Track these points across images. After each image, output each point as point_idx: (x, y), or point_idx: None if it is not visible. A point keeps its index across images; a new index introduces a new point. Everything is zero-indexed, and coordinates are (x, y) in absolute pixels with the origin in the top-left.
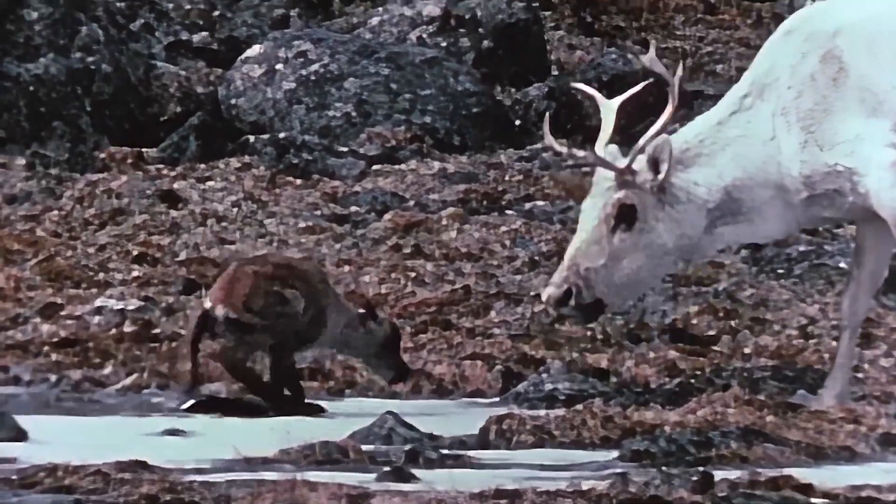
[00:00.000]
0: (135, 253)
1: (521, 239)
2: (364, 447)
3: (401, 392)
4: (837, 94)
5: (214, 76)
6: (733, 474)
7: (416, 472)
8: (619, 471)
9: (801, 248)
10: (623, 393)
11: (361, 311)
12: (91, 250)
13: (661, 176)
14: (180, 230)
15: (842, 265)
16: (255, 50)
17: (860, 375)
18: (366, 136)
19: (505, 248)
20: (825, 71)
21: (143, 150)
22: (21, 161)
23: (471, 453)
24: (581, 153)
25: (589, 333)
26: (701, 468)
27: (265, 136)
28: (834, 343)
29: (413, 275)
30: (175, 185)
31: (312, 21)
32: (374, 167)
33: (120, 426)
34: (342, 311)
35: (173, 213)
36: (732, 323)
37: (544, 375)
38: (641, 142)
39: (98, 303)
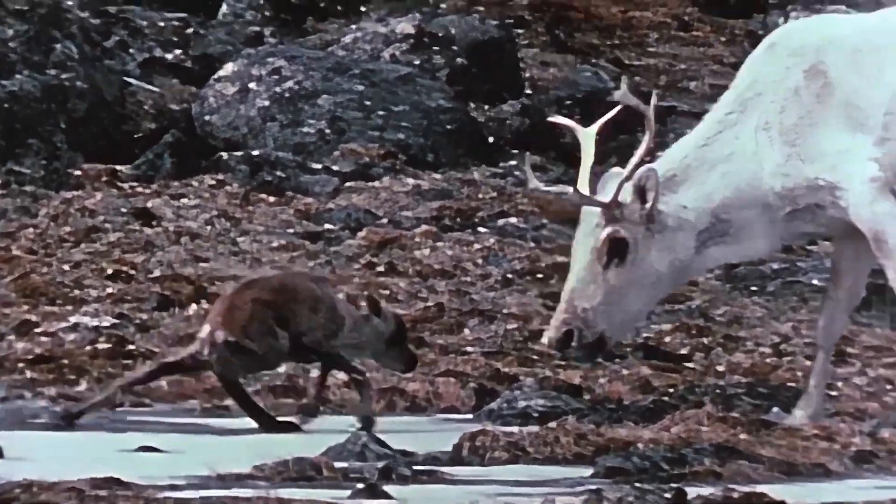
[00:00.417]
0: (109, 270)
1: (495, 256)
2: (337, 464)
3: (374, 409)
4: (822, 109)
5: (188, 93)
6: (707, 491)
7: (390, 488)
8: (592, 487)
9: (775, 266)
10: (596, 410)
11: (365, 311)
12: (66, 267)
13: (648, 205)
14: (154, 248)
15: (815, 282)
16: (228, 67)
17: (834, 393)
18: (339, 153)
19: (478, 266)
20: (809, 86)
21: (118, 167)
22: None
23: (444, 470)
24: (566, 192)
25: None
26: (674, 485)
27: (239, 154)
28: (807, 361)
29: (387, 292)
30: (149, 203)
31: (286, 38)
32: (348, 184)
33: (95, 442)
34: (342, 319)
35: (147, 230)
36: (706, 340)
37: (517, 392)
38: (625, 173)
39: (73, 320)
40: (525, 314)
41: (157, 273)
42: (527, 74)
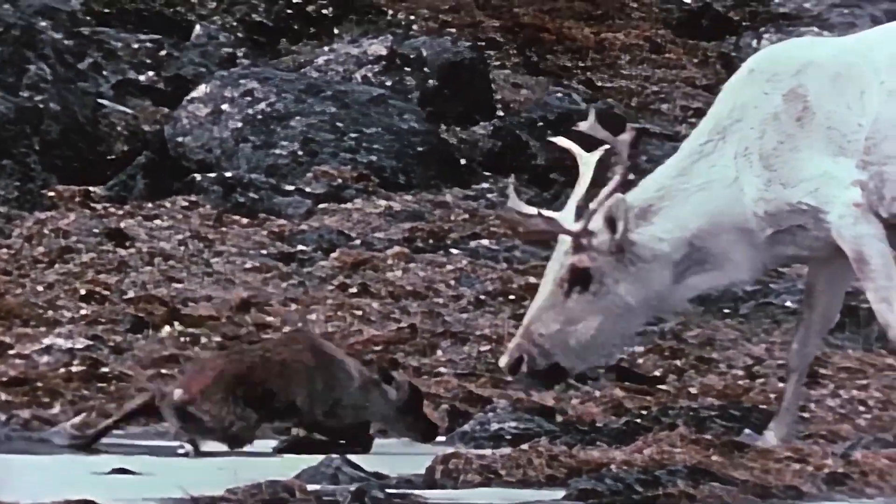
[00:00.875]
0: (83, 291)
1: (467, 278)
2: (310, 487)
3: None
4: (803, 133)
5: (161, 115)
6: None
7: None
8: None
9: (748, 288)
10: (569, 432)
11: (375, 375)
12: (40, 288)
13: (617, 235)
14: (128, 268)
15: (788, 304)
16: (201, 89)
17: (806, 415)
18: (312, 175)
19: (451, 287)
20: (789, 110)
21: (91, 188)
22: None
23: (417, 493)
24: (532, 213)
25: None
26: None
27: (212, 175)
28: (780, 383)
29: (359, 313)
30: (122, 224)
31: (259, 60)
32: (321, 206)
33: (69, 465)
34: (346, 380)
35: (121, 251)
36: (678, 362)
37: (490, 414)
38: (594, 203)
39: (47, 341)
40: (498, 336)
41: (130, 294)
42: (498, 96)
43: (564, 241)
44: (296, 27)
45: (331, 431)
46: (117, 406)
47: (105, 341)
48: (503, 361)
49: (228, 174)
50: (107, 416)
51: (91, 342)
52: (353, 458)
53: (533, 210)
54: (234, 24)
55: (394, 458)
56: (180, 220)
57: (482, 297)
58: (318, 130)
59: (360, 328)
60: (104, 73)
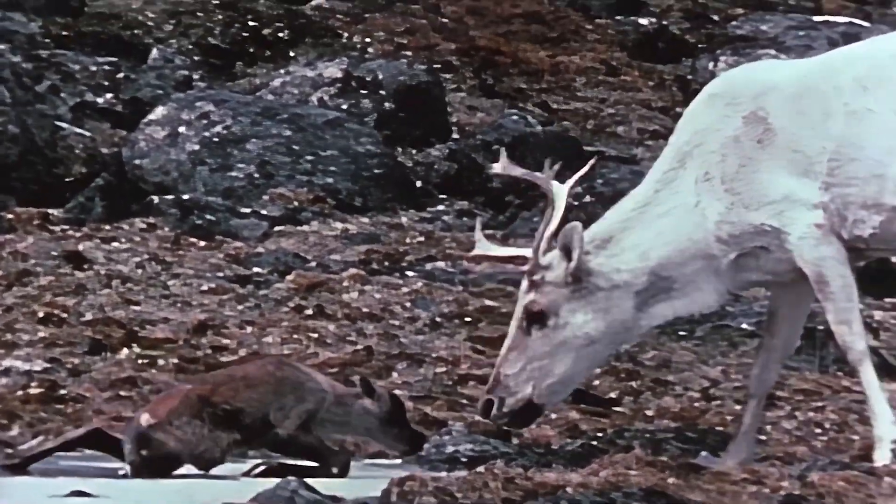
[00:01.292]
0: (41, 314)
1: (423, 300)
2: None
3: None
4: (764, 155)
5: (119, 137)
6: None
7: None
8: None
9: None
10: (525, 454)
11: (354, 389)
12: None
13: (573, 263)
14: (86, 291)
15: (745, 326)
16: (158, 111)
17: (763, 437)
18: (268, 198)
19: (406, 309)
20: (749, 132)
21: (49, 211)
22: None
23: None
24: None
25: None
26: None
27: (169, 198)
28: (736, 405)
29: (315, 335)
30: (80, 246)
31: (215, 82)
32: (277, 228)
33: (26, 488)
34: (319, 395)
35: (79, 273)
36: (634, 384)
37: (446, 437)
38: (538, 242)
39: (5, 364)
40: (453, 358)
41: (88, 316)
42: (454, 119)
43: (524, 280)
44: (251, 50)
45: (308, 451)
46: (76, 429)
47: (63, 363)
48: (478, 406)
49: (185, 196)
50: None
51: (49, 364)
52: (310, 481)
53: (504, 251)
54: (191, 46)
55: (349, 480)
56: (138, 243)
57: (438, 319)
58: (274, 153)
59: (315, 350)
60: (62, 95)
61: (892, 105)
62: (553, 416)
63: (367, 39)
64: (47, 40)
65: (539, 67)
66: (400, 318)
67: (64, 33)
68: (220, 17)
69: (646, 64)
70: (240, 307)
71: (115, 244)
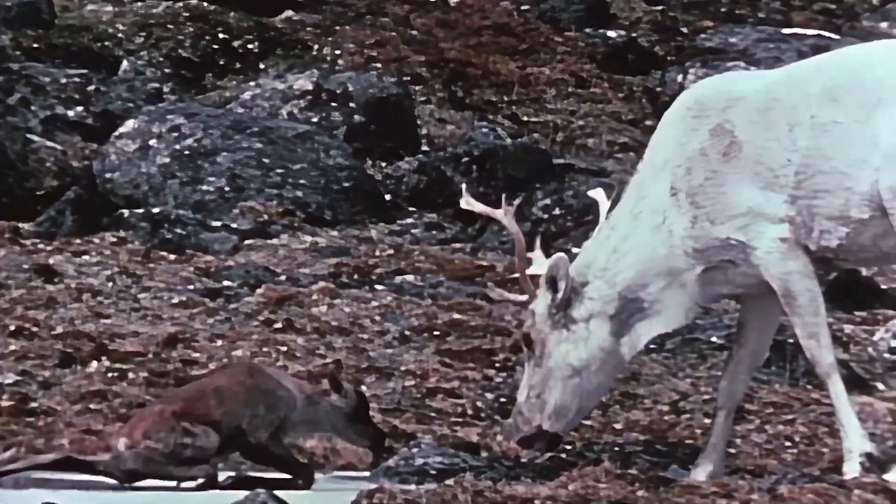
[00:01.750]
0: (12, 327)
1: (392, 313)
2: None
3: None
4: (729, 168)
5: (90, 150)
6: None
7: None
8: None
9: None
10: (494, 467)
11: (322, 387)
12: None
13: (559, 295)
14: (56, 304)
15: (714, 339)
16: (129, 124)
17: (733, 450)
18: (238, 211)
19: (375, 323)
20: (715, 145)
21: (20, 224)
22: None
23: None
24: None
25: (460, 409)
26: None
27: (140, 211)
28: (706, 419)
29: (285, 349)
30: (51, 260)
31: (185, 95)
32: (247, 241)
33: None
34: (289, 400)
35: (49, 287)
36: (603, 397)
37: (415, 450)
38: (521, 275)
39: None
40: (422, 371)
41: (59, 330)
42: (424, 131)
43: None
44: (222, 62)
45: (277, 461)
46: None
47: (34, 376)
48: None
49: (156, 210)
50: (36, 451)
51: (20, 377)
52: (280, 493)
53: (520, 298)
54: (161, 59)
55: (318, 493)
56: (108, 256)
57: (407, 332)
58: (244, 166)
59: (285, 364)
60: (33, 108)
61: (859, 116)
62: None
63: (337, 52)
64: (18, 53)
65: (509, 80)
66: (369, 331)
67: (34, 45)
68: (190, 29)
69: (615, 76)
70: (210, 320)
71: (85, 258)
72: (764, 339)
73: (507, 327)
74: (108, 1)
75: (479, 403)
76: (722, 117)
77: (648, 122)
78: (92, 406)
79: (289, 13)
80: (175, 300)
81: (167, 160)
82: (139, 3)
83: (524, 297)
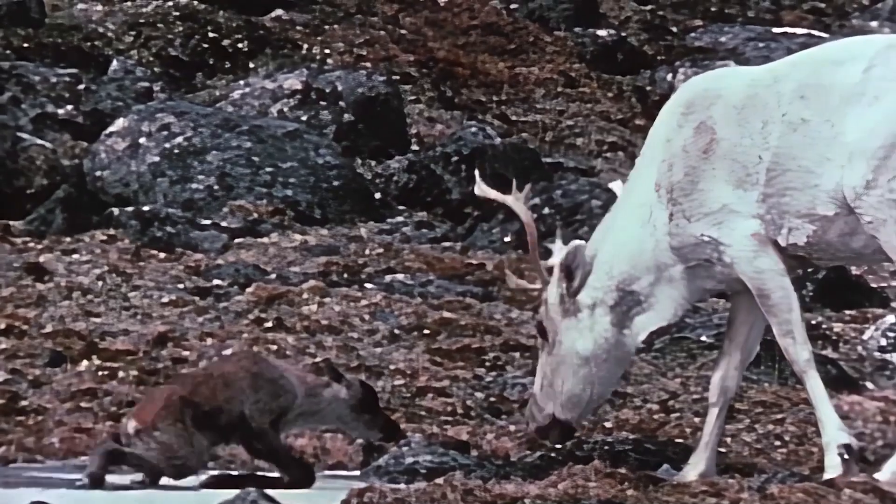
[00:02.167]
0: (2, 325)
1: (382, 312)
2: None
3: (264, 466)
4: (707, 165)
5: (80, 149)
6: None
7: None
8: None
9: None
10: (484, 466)
11: (325, 378)
12: None
13: (575, 283)
14: (46, 303)
15: (703, 338)
16: (119, 123)
17: (722, 449)
18: (228, 210)
19: (365, 322)
20: (697, 142)
21: (10, 222)
22: None
23: None
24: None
25: (450, 407)
26: None
27: (130, 209)
28: (695, 417)
29: (275, 347)
30: (41, 258)
31: (175, 94)
32: (237, 240)
33: None
34: (290, 390)
35: (40, 285)
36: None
37: (405, 448)
38: (535, 263)
39: None
40: (412, 370)
41: (49, 328)
42: (413, 130)
43: None
44: (211, 61)
45: (273, 454)
46: (37, 440)
47: (24, 375)
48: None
49: (146, 208)
50: (26, 449)
51: (10, 376)
52: (270, 492)
53: (525, 286)
54: (151, 58)
55: (308, 491)
56: (98, 255)
57: (397, 331)
58: (233, 165)
59: None
60: (23, 106)
61: (826, 115)
62: (512, 428)
63: (327, 51)
64: (8, 51)
65: (498, 79)
66: (359, 330)
67: (24, 44)
68: (180, 28)
69: (604, 75)
70: (200, 319)
71: (75, 256)
72: (754, 335)
73: (498, 326)
74: (98, 0)
75: (468, 402)
76: (705, 114)
77: (638, 122)
78: (82, 404)
79: (278, 12)
80: (165, 299)
81: (157, 159)
82: (129, 3)
83: (539, 286)
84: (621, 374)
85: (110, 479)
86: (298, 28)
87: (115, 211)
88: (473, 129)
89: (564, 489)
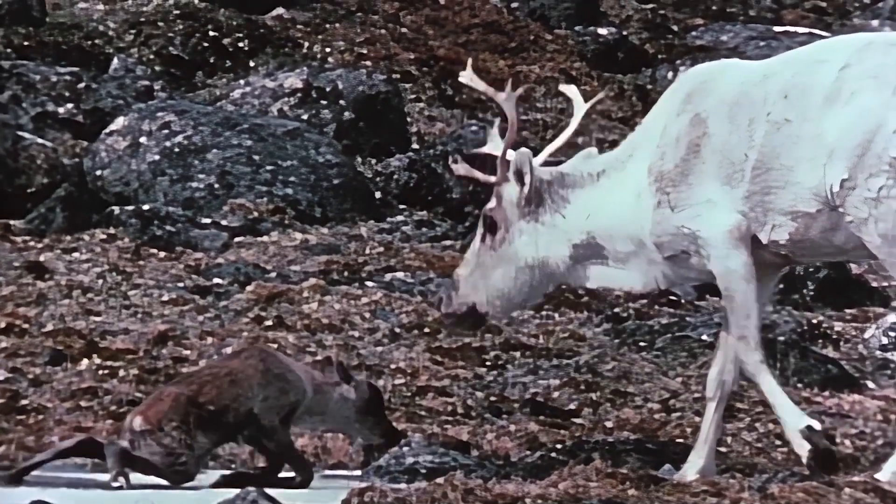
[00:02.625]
0: (2, 324)
1: (382, 310)
2: None
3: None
4: (696, 160)
5: (80, 148)
6: None
7: None
8: None
9: (664, 321)
10: (484, 466)
11: (332, 377)
12: None
13: (525, 188)
14: (47, 301)
15: (704, 338)
16: (119, 122)
17: (723, 448)
18: (228, 208)
19: (366, 320)
20: (690, 134)
21: (11, 221)
22: None
23: None
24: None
25: (450, 407)
26: None
27: (130, 208)
28: (696, 417)
29: (275, 346)
30: (42, 257)
31: (176, 93)
32: (237, 239)
33: None
34: (300, 386)
35: (40, 284)
36: (594, 396)
37: (405, 448)
38: (502, 154)
39: None
40: (412, 369)
41: (49, 327)
42: (414, 129)
43: None
44: (212, 60)
45: (281, 451)
46: (38, 439)
47: (24, 373)
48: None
49: (146, 207)
50: (26, 448)
51: (10, 374)
52: (270, 491)
53: (488, 178)
54: (151, 56)
55: (309, 491)
56: (98, 253)
57: (397, 330)
58: (234, 164)
59: None
60: (23, 105)
61: (808, 115)
62: (512, 427)
63: (328, 49)
64: (8, 50)
65: (498, 77)
66: (359, 328)
67: (25, 43)
68: (180, 27)
69: (605, 74)
70: (200, 318)
71: (75, 255)
72: None
73: (498, 325)
74: None
75: (469, 402)
76: (701, 107)
77: (638, 120)
78: (83, 403)
79: (279, 11)
80: (165, 297)
81: (157, 157)
82: (130, 1)
83: (492, 179)
84: (546, 291)
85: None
86: (299, 26)
87: (116, 209)
88: (474, 128)
89: (565, 489)
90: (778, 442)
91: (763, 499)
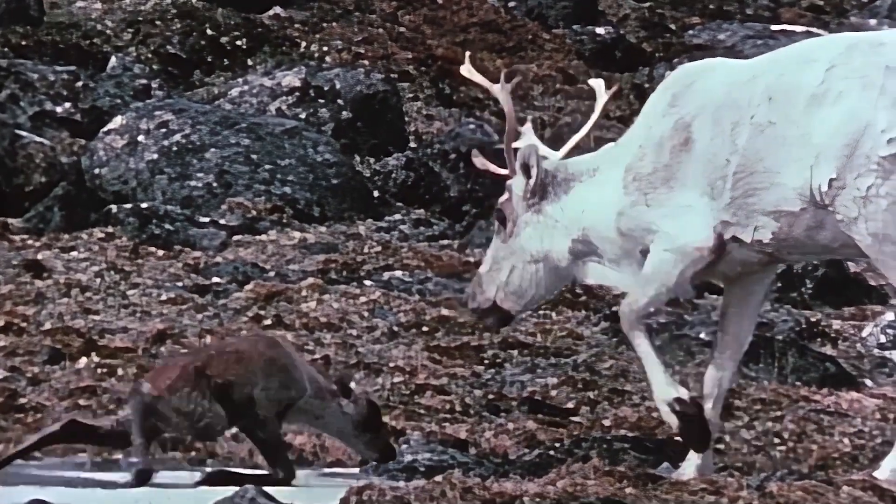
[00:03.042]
0: (0, 323)
1: (380, 309)
2: None
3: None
4: (676, 165)
5: (78, 146)
6: None
7: None
8: None
9: (662, 320)
10: (482, 464)
11: (333, 387)
12: None
13: (531, 181)
14: (45, 300)
15: (702, 336)
16: (117, 121)
17: (721, 447)
18: (227, 207)
19: (364, 319)
20: (673, 138)
21: (9, 220)
22: None
23: None
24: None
25: (448, 405)
26: None
27: (128, 207)
28: None
29: None
30: (40, 256)
31: (174, 91)
32: (235, 238)
33: None
34: (301, 383)
35: (38, 283)
36: (592, 394)
37: (404, 446)
38: (507, 147)
39: None
40: (411, 367)
41: (47, 325)
42: (411, 128)
43: None
44: (209, 59)
45: (272, 445)
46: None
47: (22, 372)
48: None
49: (144, 206)
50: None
51: (9, 373)
52: (268, 489)
53: (502, 171)
54: (149, 55)
55: (307, 489)
56: (97, 252)
57: (395, 328)
58: (232, 162)
59: None
60: (21, 104)
61: (792, 117)
62: (510, 426)
63: (325, 48)
64: (6, 49)
65: (496, 76)
66: (358, 327)
67: (23, 42)
68: (178, 26)
69: (603, 72)
70: (199, 316)
71: (73, 253)
72: (746, 325)
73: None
74: None
75: (467, 400)
76: (685, 110)
77: (636, 119)
78: (81, 402)
79: (277, 10)
80: (164, 296)
81: (155, 156)
82: (127, 0)
83: (505, 171)
84: (560, 286)
85: (111, 477)
86: (297, 26)
87: (114, 208)
88: (471, 127)
89: (563, 487)
90: (776, 440)
91: (761, 497)
